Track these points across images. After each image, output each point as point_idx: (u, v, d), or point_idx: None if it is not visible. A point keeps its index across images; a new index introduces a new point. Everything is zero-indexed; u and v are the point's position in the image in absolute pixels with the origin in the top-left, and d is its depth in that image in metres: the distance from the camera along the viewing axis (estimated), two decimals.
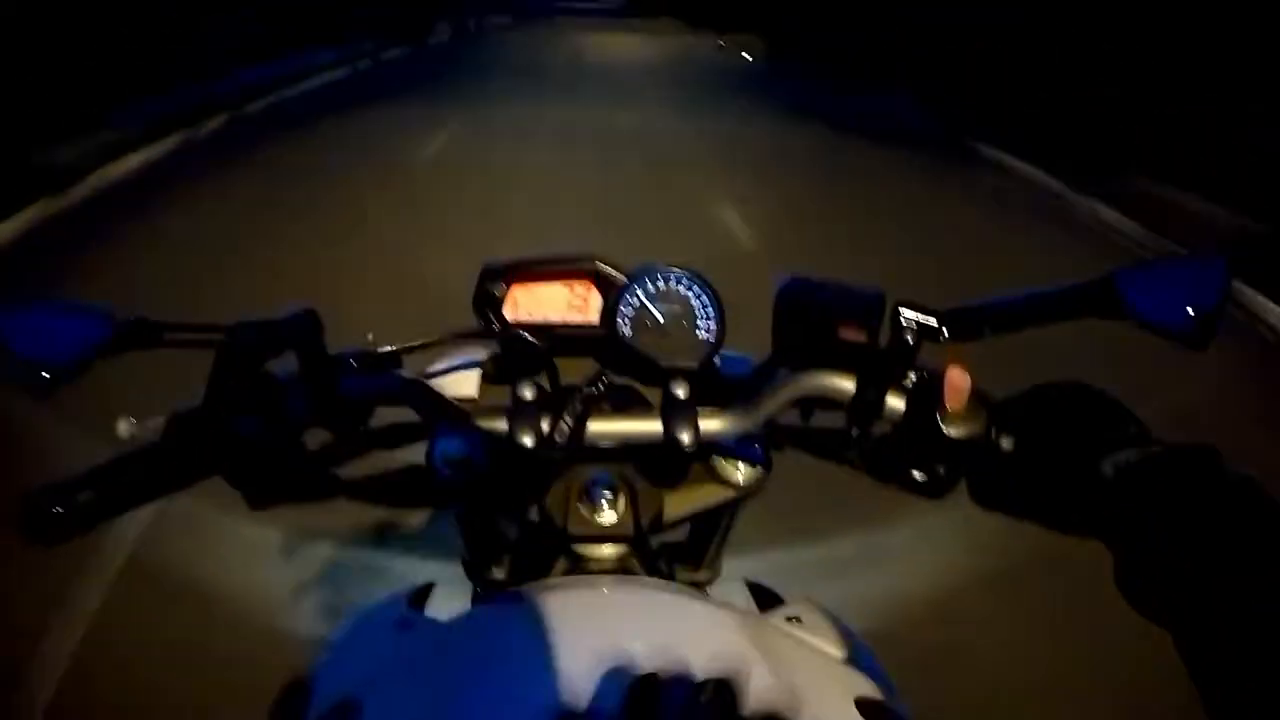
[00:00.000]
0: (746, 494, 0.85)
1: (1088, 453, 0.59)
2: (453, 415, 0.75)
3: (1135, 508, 0.54)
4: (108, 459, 0.63)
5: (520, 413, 0.72)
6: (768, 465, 0.84)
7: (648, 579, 0.81)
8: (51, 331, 0.66)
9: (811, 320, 0.73)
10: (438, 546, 0.86)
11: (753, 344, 0.84)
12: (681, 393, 0.74)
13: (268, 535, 2.27)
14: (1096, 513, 0.58)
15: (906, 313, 0.70)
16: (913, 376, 0.71)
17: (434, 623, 0.83)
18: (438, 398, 0.76)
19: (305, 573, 2.24)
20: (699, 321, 0.79)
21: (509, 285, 0.80)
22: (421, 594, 0.93)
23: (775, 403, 0.74)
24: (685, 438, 0.72)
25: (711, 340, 0.79)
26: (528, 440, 0.71)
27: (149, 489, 0.64)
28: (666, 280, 0.79)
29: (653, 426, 0.74)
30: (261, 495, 0.70)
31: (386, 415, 0.79)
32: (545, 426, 0.71)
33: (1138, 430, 0.61)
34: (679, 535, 0.94)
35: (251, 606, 2.14)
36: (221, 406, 0.67)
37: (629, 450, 0.77)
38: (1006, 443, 0.65)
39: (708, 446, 0.78)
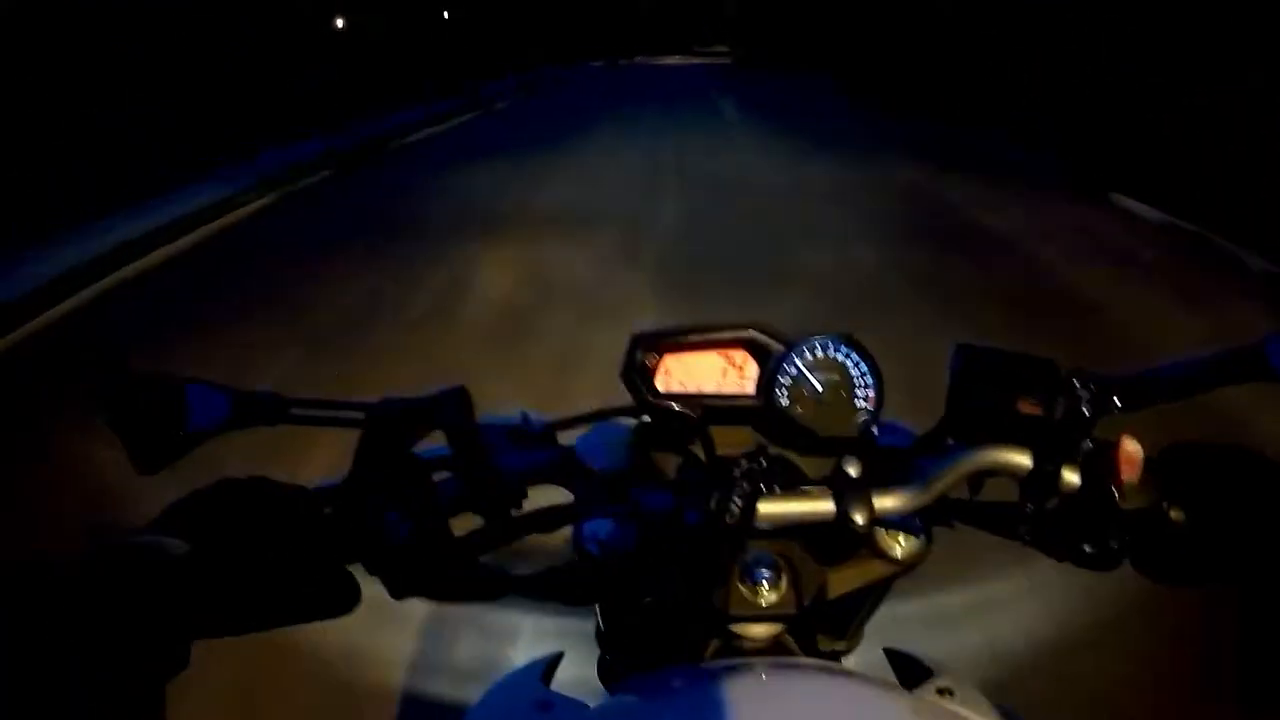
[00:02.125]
0: (907, 569, 0.81)
1: (1261, 524, 0.59)
2: (609, 494, 0.73)
3: None
4: (240, 545, 0.61)
5: (684, 491, 0.70)
6: (929, 539, 0.80)
7: (804, 660, 0.78)
8: (179, 403, 0.65)
9: (987, 392, 0.70)
10: (567, 611, 0.83)
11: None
12: (854, 471, 0.71)
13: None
14: (1269, 585, 0.58)
15: (1080, 383, 0.68)
16: (1086, 448, 0.68)
17: (577, 705, 0.80)
18: (593, 475, 0.74)
19: (426, 627, 2.24)
20: (857, 391, 0.76)
21: (661, 355, 0.78)
22: (551, 666, 0.91)
23: (950, 479, 0.71)
24: (859, 518, 0.69)
25: (871, 410, 0.76)
26: (694, 521, 0.69)
27: (282, 582, 0.62)
28: (825, 349, 0.76)
29: (824, 505, 0.71)
30: (404, 584, 0.68)
31: (536, 495, 0.77)
32: (711, 506, 0.69)
33: None
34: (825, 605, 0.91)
35: (370, 660, 2.17)
36: (366, 490, 0.66)
37: (794, 528, 0.74)
38: (1179, 514, 0.64)
39: (876, 522, 0.75)
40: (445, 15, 22.24)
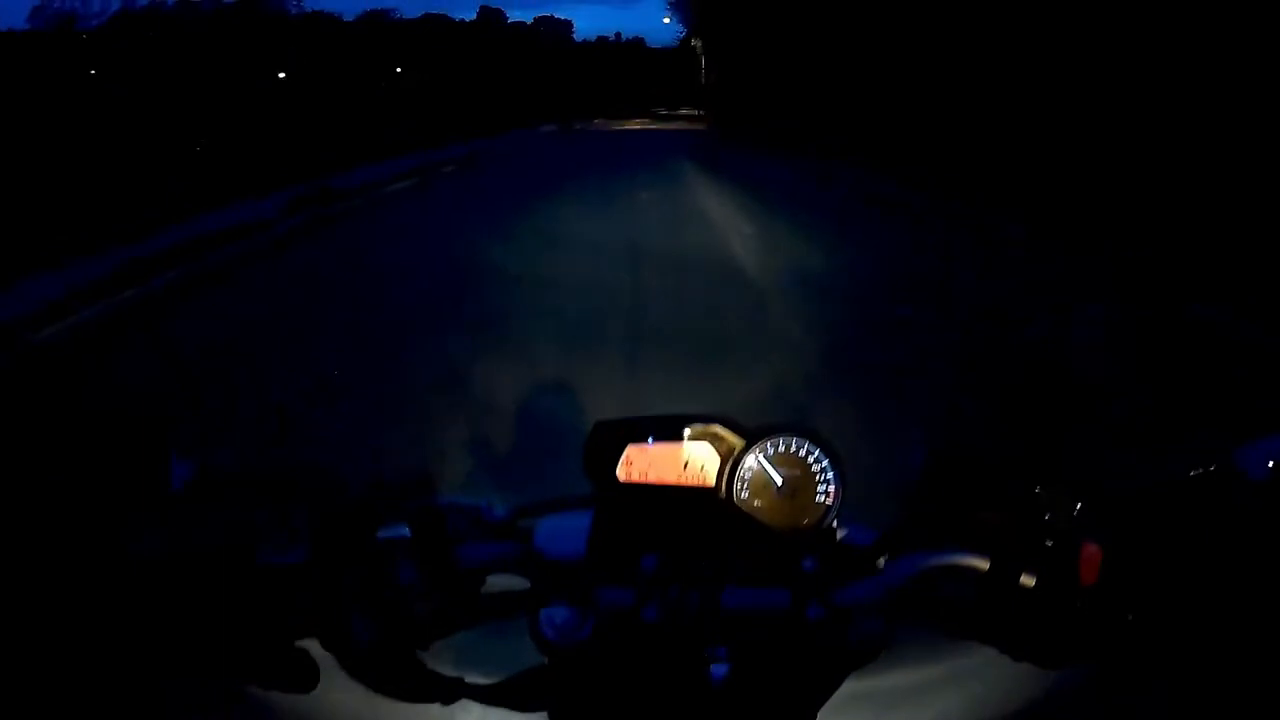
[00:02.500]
0: (864, 662, 0.81)
1: (1223, 627, 0.61)
2: (571, 586, 0.72)
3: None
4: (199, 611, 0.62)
5: (642, 584, 0.70)
6: (888, 635, 0.80)
7: None
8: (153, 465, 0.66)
9: (951, 497, 0.71)
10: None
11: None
12: (812, 565, 0.71)
13: None
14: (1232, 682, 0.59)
15: (1045, 492, 0.69)
16: (1046, 549, 0.69)
17: None
18: (551, 565, 0.73)
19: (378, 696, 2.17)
20: (818, 486, 0.77)
21: (622, 445, 0.78)
22: None
23: (910, 578, 0.71)
24: (816, 613, 0.70)
25: (831, 504, 0.77)
26: (651, 616, 0.69)
27: (241, 651, 0.63)
28: (786, 444, 0.77)
29: (781, 601, 0.71)
30: (365, 670, 0.67)
31: (495, 582, 0.76)
32: (670, 602, 0.69)
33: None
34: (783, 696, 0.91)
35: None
36: (327, 572, 0.65)
37: (752, 621, 0.74)
38: (1137, 617, 0.65)
39: (835, 616, 0.75)
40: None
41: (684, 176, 19.21)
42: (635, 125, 45.71)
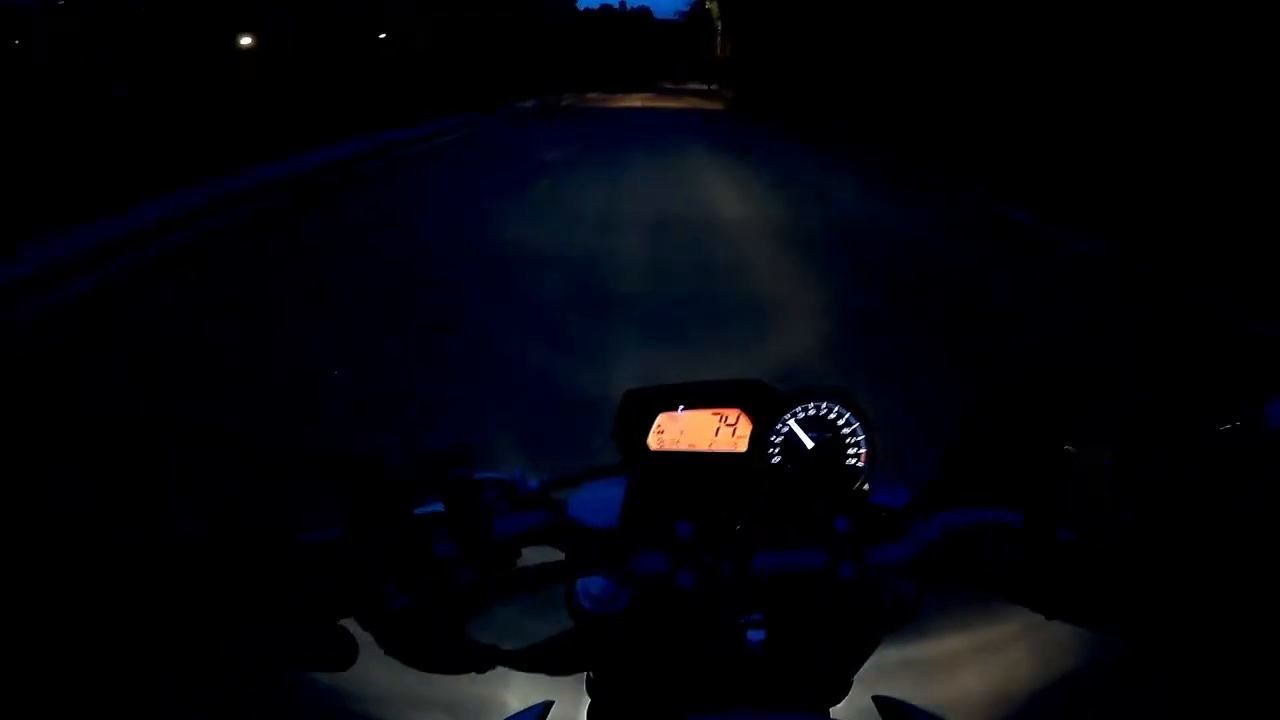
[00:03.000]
0: (897, 623, 0.81)
1: (1256, 585, 0.61)
2: (605, 555, 0.73)
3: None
4: (231, 587, 0.62)
5: (676, 551, 0.70)
6: (920, 596, 0.80)
7: (795, 714, 0.78)
8: (179, 451, 0.67)
9: (983, 454, 0.71)
10: None
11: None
12: (845, 528, 0.72)
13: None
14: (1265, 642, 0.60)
15: (1075, 448, 0.69)
16: (1081, 509, 0.69)
17: None
18: (586, 535, 0.74)
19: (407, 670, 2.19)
20: (849, 449, 0.77)
21: (654, 414, 0.78)
22: (542, 715, 0.91)
23: (942, 536, 0.72)
24: (848, 574, 0.70)
25: (863, 467, 0.77)
26: (685, 582, 0.69)
27: (273, 628, 0.63)
28: (818, 408, 0.77)
29: (814, 563, 0.71)
30: (404, 646, 0.68)
31: (530, 554, 0.77)
32: (704, 568, 0.69)
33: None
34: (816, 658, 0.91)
35: (360, 697, 2.13)
36: (362, 549, 0.66)
37: (785, 584, 0.75)
38: (1172, 571, 0.65)
39: (867, 579, 0.75)
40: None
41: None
42: (636, 103, 39.85)
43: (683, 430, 0.78)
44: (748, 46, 34.22)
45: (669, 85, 64.70)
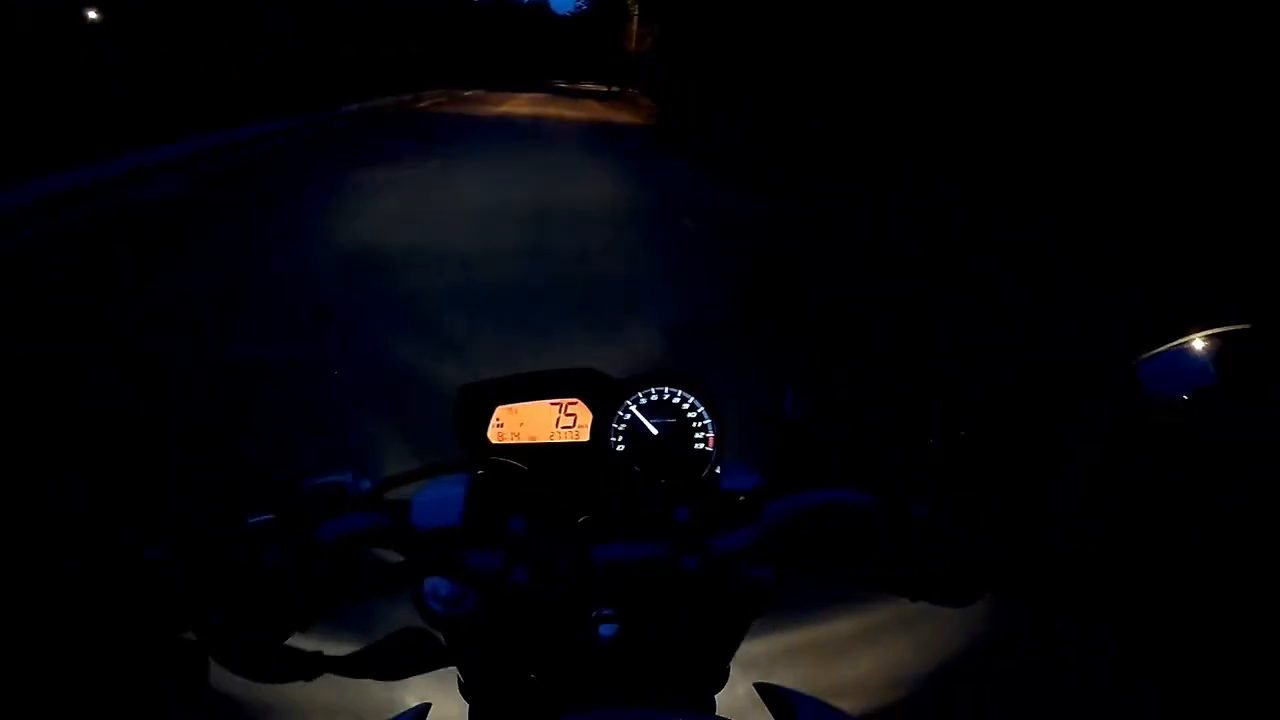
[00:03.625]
0: (754, 610, 0.80)
1: (1128, 554, 0.61)
2: (438, 556, 0.70)
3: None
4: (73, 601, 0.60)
5: (513, 549, 0.68)
6: (776, 581, 0.79)
7: (667, 709, 0.77)
8: None
9: (827, 431, 0.70)
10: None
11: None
12: (687, 516, 0.70)
13: None
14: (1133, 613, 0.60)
15: (930, 414, 0.70)
16: (937, 483, 0.69)
17: None
18: (421, 539, 0.71)
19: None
20: (696, 435, 0.75)
21: (492, 407, 0.76)
22: (420, 716, 0.88)
23: (789, 521, 0.70)
24: (691, 564, 0.68)
25: (710, 451, 0.75)
26: (522, 579, 0.67)
27: (118, 641, 0.61)
28: (660, 394, 0.75)
29: (657, 553, 0.70)
30: (235, 661, 0.65)
31: (375, 554, 0.74)
32: (539, 563, 0.67)
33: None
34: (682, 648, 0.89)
35: (237, 703, 2.06)
36: (186, 563, 0.63)
37: (632, 575, 0.73)
38: (1037, 545, 0.65)
39: (711, 568, 0.73)
40: None
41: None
42: (519, 108, 27.68)
43: (522, 423, 0.76)
44: (683, 28, 22.96)
45: (562, 84, 55.16)
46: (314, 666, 0.69)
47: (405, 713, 0.88)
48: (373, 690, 2.09)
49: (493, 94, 36.58)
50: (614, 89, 41.26)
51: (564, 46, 69.58)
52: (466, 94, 35.68)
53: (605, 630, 0.75)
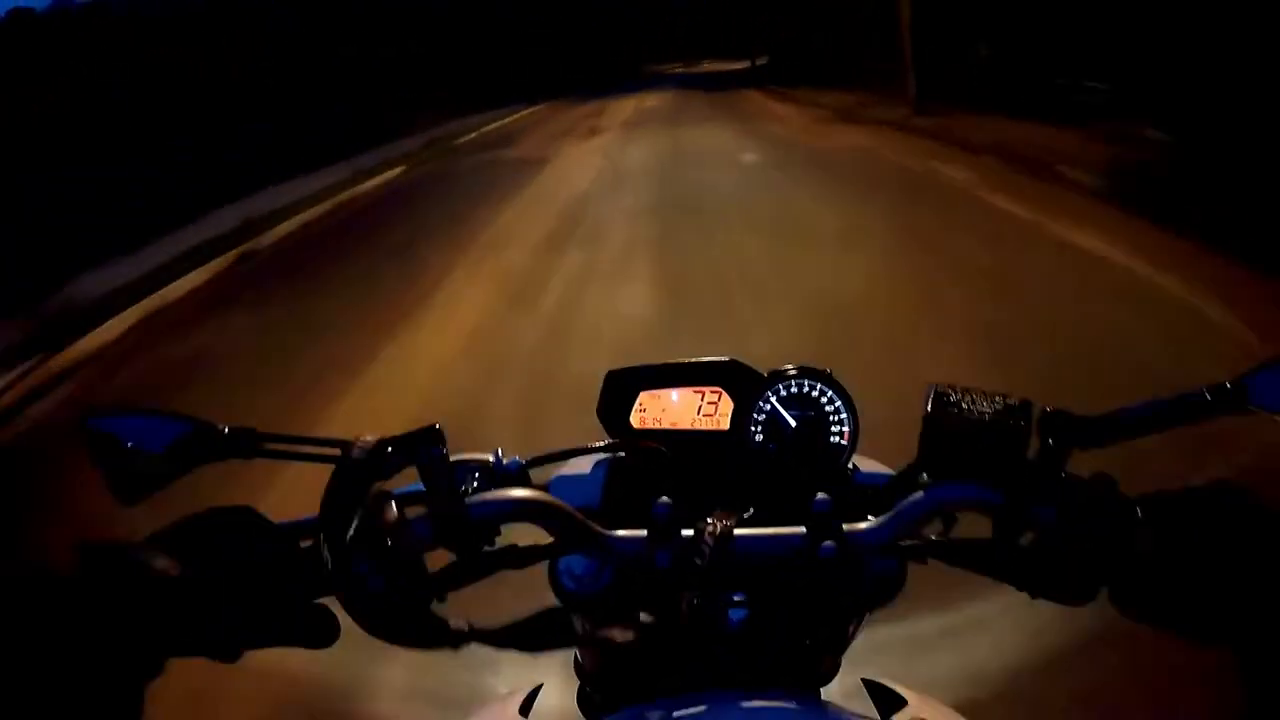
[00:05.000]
0: (880, 603, 0.81)
1: (1235, 560, 0.59)
2: (583, 534, 0.73)
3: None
4: (221, 579, 0.62)
5: (656, 530, 0.70)
6: (903, 576, 0.80)
7: (776, 694, 0.77)
8: (158, 436, 0.67)
9: (960, 430, 0.71)
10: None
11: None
12: (826, 506, 0.71)
13: None
14: (1241, 624, 0.58)
15: (1053, 421, 0.69)
16: (1059, 484, 0.69)
17: None
18: (567, 515, 0.74)
19: (408, 655, 2.19)
20: (832, 428, 0.77)
21: (636, 393, 0.78)
22: (530, 698, 0.91)
23: (922, 515, 0.71)
24: (828, 553, 0.70)
25: (845, 445, 0.77)
26: (664, 562, 0.69)
27: (258, 615, 0.63)
28: (800, 386, 0.77)
29: (794, 542, 0.71)
30: (376, 624, 0.68)
31: (511, 534, 0.77)
32: (682, 546, 0.69)
33: None
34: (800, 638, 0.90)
35: (349, 688, 2.15)
36: (338, 528, 0.66)
37: (768, 563, 0.74)
38: (1152, 551, 0.63)
39: (847, 558, 0.75)
40: None
41: None
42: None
43: (664, 409, 0.78)
44: None
45: (674, 69, 40.79)
46: (460, 636, 0.71)
47: (517, 692, 0.92)
48: (473, 676, 2.15)
49: (585, 106, 23.93)
50: (759, 64, 31.10)
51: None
52: (537, 112, 24.11)
53: (735, 615, 0.77)
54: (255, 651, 0.65)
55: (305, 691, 2.15)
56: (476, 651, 0.76)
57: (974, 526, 0.73)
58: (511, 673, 2.33)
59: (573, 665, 0.91)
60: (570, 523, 0.73)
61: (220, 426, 0.69)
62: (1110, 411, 0.70)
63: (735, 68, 36.63)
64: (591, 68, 38.52)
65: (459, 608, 0.74)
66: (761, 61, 32.89)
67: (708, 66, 40.07)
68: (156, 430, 0.67)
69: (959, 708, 0.82)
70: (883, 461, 0.84)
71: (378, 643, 0.68)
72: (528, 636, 0.78)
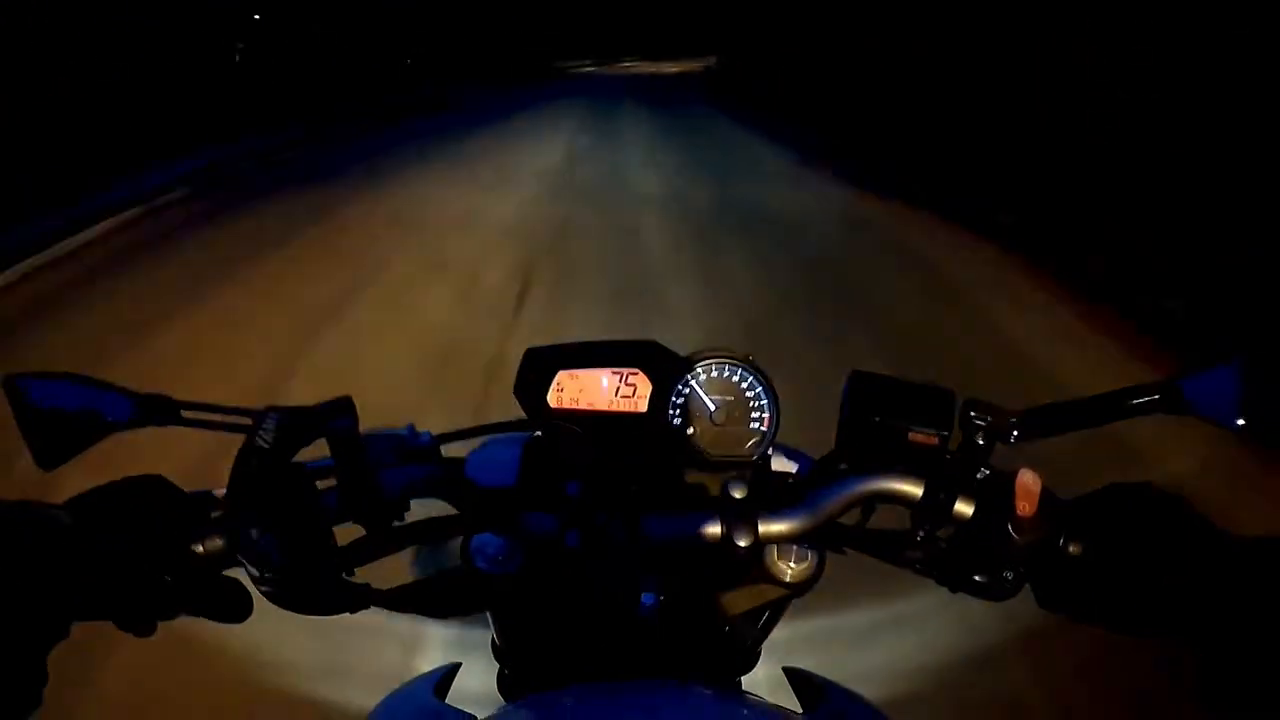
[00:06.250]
0: (797, 592, 0.81)
1: (1160, 558, 0.59)
2: (494, 512, 0.71)
3: (1216, 613, 0.55)
4: (128, 546, 0.61)
5: (569, 512, 0.69)
6: (821, 565, 0.80)
7: (692, 684, 0.77)
8: (73, 400, 0.66)
9: (881, 420, 0.70)
10: (468, 622, 0.82)
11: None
12: (741, 494, 0.71)
13: None
14: (1171, 618, 0.58)
15: (976, 414, 0.68)
16: (981, 478, 0.68)
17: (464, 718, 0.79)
18: (478, 493, 0.72)
19: (326, 631, 2.17)
20: (752, 414, 0.76)
21: (554, 371, 0.77)
22: (448, 676, 0.90)
23: (839, 504, 0.71)
24: (743, 541, 0.69)
25: (765, 432, 0.76)
26: (574, 543, 0.68)
27: (167, 584, 0.62)
28: (721, 370, 0.76)
29: (708, 528, 0.70)
30: (283, 596, 0.67)
31: (421, 508, 0.75)
32: (593, 529, 0.68)
33: (1213, 534, 0.59)
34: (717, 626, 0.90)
35: (265, 662, 2.12)
36: (245, 500, 0.64)
37: (682, 549, 0.74)
38: (1076, 548, 0.64)
39: (762, 546, 0.74)
40: None
41: None
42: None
43: (582, 389, 0.77)
44: None
45: (631, 65, 35.94)
46: (361, 598, 0.70)
47: (436, 670, 0.90)
48: (398, 653, 2.13)
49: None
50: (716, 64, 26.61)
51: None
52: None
53: (647, 600, 0.76)
54: (168, 624, 0.64)
55: (217, 664, 2.12)
56: (399, 631, 0.74)
57: (896, 517, 0.72)
58: (436, 652, 2.35)
59: (490, 650, 0.90)
60: (481, 500, 0.71)
61: (137, 394, 0.68)
62: (1037, 407, 0.69)
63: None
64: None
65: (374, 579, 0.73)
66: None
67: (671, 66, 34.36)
68: (73, 395, 0.66)
69: (883, 700, 0.81)
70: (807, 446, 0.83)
71: (294, 619, 0.67)
72: (439, 601, 0.77)
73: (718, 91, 21.81)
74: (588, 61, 40.21)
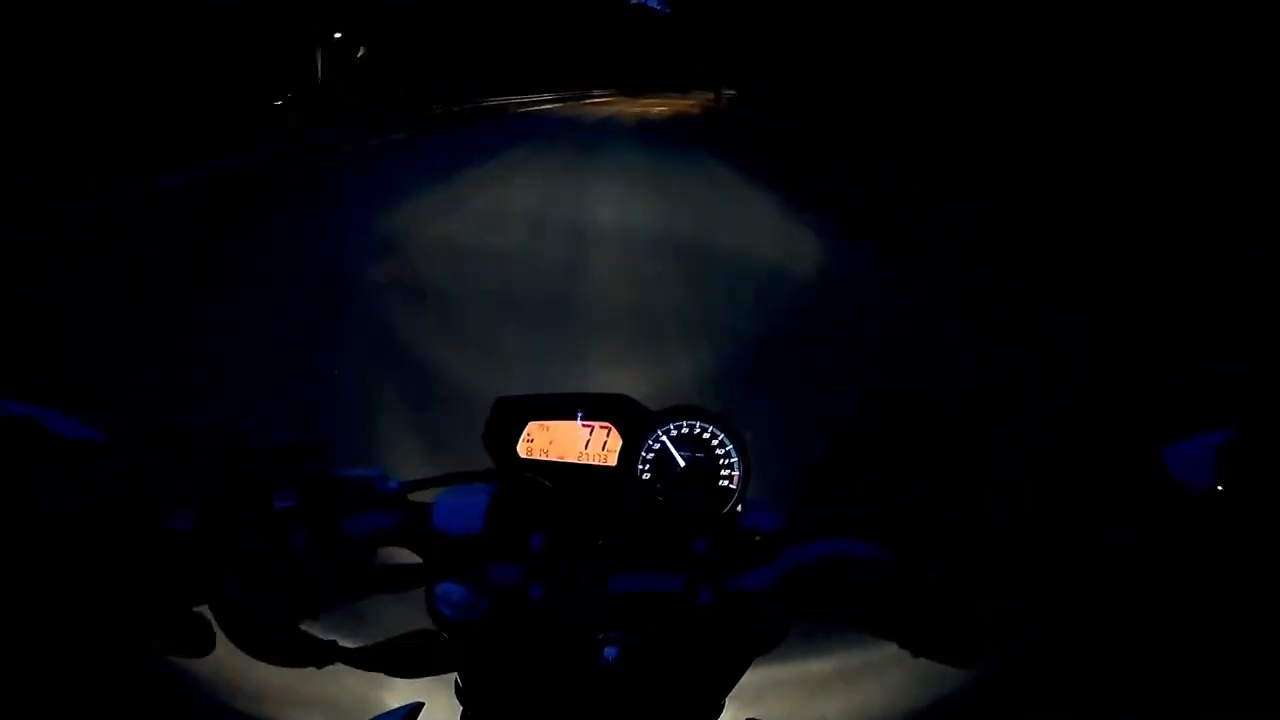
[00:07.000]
0: (761, 651, 0.81)
1: (1134, 632, 0.61)
2: (459, 561, 0.71)
3: None
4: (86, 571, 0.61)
5: (534, 563, 0.69)
6: (787, 624, 0.80)
7: None
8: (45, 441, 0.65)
9: (851, 483, 0.71)
10: None
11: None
12: (709, 551, 0.71)
13: None
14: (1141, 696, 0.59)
15: (954, 483, 0.70)
16: (952, 547, 0.69)
17: None
18: (444, 543, 0.72)
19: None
20: (722, 471, 0.76)
21: (524, 422, 0.77)
22: (410, 716, 0.89)
23: (806, 567, 0.71)
24: (709, 599, 0.69)
25: (734, 489, 0.76)
26: (538, 595, 0.68)
27: (132, 617, 0.62)
28: (691, 427, 0.76)
29: (674, 584, 0.71)
30: (246, 640, 0.66)
31: (389, 552, 0.75)
32: (557, 582, 0.68)
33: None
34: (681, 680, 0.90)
35: (231, 692, 2.08)
36: (211, 540, 0.64)
37: (645, 603, 0.74)
38: (1045, 621, 0.65)
39: (728, 601, 0.74)
40: None
41: None
42: None
43: (552, 440, 0.77)
44: None
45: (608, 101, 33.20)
46: (326, 654, 0.70)
47: (397, 709, 0.90)
48: (364, 686, 2.10)
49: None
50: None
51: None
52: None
53: (609, 653, 0.76)
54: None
55: (179, 692, 2.08)
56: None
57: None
58: (403, 686, 2.32)
59: (454, 691, 0.89)
60: (450, 550, 0.71)
61: (105, 432, 0.68)
62: (1014, 476, 0.70)
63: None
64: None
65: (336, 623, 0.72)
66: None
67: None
68: (49, 429, 0.66)
69: None
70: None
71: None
72: (404, 661, 0.76)
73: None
74: (545, 96, 33.46)
